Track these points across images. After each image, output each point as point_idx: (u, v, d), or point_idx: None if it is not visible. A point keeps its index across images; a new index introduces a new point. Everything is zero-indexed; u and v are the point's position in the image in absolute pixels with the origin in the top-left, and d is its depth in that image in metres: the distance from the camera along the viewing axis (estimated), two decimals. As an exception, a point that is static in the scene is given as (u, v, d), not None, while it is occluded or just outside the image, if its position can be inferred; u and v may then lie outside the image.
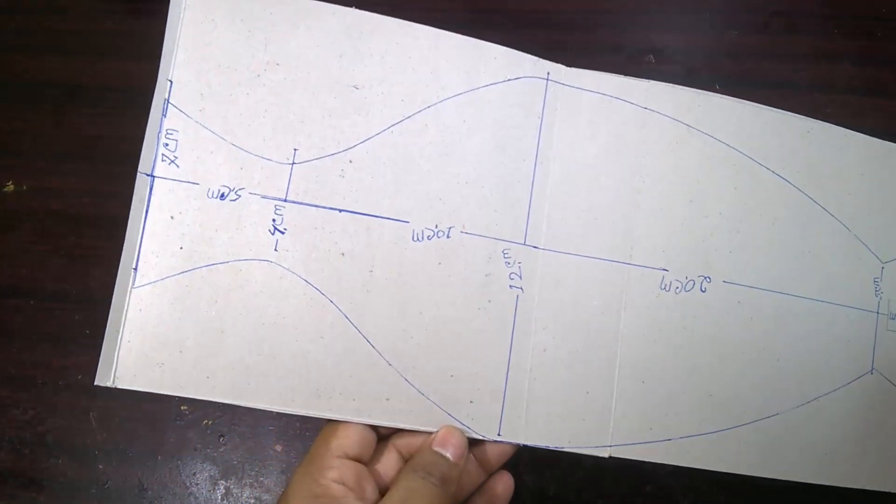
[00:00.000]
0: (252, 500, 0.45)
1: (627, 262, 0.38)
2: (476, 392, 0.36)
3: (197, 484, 0.45)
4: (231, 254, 0.34)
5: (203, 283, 0.33)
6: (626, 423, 0.37)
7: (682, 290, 0.38)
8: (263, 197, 0.34)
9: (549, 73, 0.39)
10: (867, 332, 0.41)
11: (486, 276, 0.36)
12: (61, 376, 0.47)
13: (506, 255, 0.37)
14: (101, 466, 0.45)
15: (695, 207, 0.39)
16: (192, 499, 0.45)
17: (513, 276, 0.37)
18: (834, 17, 0.58)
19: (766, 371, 0.39)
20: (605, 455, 0.37)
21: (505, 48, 0.38)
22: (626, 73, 0.48)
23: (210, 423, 0.46)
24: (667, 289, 0.38)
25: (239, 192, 0.34)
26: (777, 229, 0.40)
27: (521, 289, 0.37)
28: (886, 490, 0.41)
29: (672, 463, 0.38)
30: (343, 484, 0.32)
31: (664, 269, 0.38)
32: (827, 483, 0.40)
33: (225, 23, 0.35)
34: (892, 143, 0.43)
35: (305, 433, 0.45)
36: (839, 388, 0.40)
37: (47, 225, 0.51)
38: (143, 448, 0.45)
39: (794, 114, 0.42)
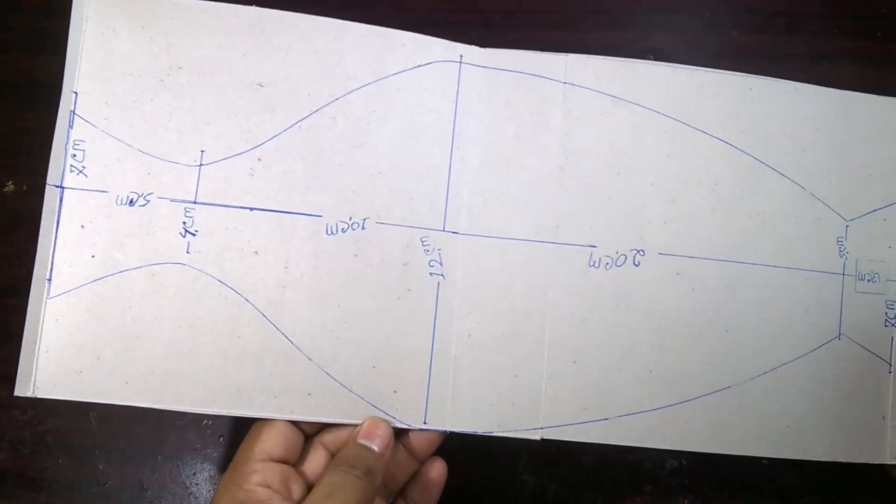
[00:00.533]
0: None
1: (553, 241, 0.37)
2: (400, 382, 0.35)
3: (197, 484, 0.45)
4: (143, 259, 0.34)
5: (117, 290, 0.34)
6: (558, 405, 0.37)
7: (613, 266, 0.37)
8: (172, 200, 0.35)
9: (461, 56, 0.38)
10: (832, 296, 0.39)
11: (405, 265, 0.36)
12: (61, 376, 0.47)
13: (424, 243, 0.36)
14: (101, 466, 0.45)
15: (623, 180, 0.38)
16: (192, 499, 0.45)
17: (433, 263, 0.36)
18: (834, 17, 0.56)
19: (713, 343, 0.38)
20: (537, 438, 0.36)
21: (413, 34, 0.38)
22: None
23: (210, 423, 0.45)
24: (596, 265, 0.37)
25: (147, 198, 0.35)
26: (719, 195, 0.39)
27: (442, 276, 0.36)
28: (861, 461, 0.39)
29: (610, 442, 0.37)
30: (268, 487, 0.32)
31: (592, 246, 0.37)
32: (792, 457, 0.38)
33: (126, 31, 0.35)
34: (849, 92, 0.41)
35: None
36: (801, 357, 0.39)
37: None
38: (143, 448, 0.46)
39: (733, 72, 0.40)
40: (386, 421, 0.35)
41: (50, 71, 0.55)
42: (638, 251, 0.38)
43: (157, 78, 0.35)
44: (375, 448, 0.34)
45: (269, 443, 0.33)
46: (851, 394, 0.39)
